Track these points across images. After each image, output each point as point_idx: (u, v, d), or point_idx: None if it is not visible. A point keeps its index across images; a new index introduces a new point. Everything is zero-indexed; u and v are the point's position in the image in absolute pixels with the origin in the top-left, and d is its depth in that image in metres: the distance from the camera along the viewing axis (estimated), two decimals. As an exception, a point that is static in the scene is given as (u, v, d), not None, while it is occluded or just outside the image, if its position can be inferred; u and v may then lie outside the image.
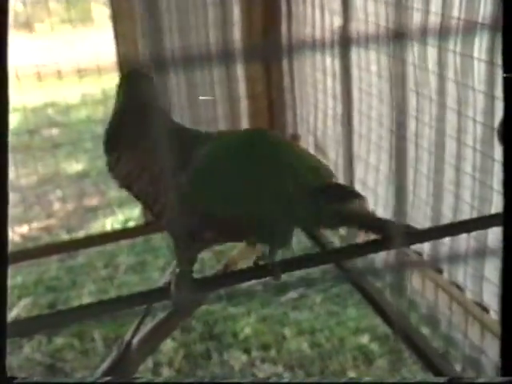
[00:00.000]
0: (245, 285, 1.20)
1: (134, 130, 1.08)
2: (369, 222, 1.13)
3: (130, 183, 1.07)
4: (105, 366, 1.35)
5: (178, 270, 1.10)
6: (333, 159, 2.66)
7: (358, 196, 1.12)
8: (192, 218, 1.02)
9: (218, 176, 1.03)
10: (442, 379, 0.92)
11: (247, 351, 2.39)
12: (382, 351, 2.33)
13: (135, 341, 1.53)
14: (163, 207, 1.04)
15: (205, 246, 1.17)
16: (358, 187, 2.45)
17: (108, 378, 1.64)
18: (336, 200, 1.07)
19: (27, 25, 5.58)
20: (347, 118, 2.38)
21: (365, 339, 2.40)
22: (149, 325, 1.89)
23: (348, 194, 1.12)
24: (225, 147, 1.08)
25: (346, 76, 2.28)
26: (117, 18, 2.39)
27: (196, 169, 1.03)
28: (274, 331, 2.48)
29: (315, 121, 2.76)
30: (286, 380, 1.78)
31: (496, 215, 1.35)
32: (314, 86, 2.69)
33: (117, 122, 1.11)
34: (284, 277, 2.93)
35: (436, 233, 1.38)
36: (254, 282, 1.19)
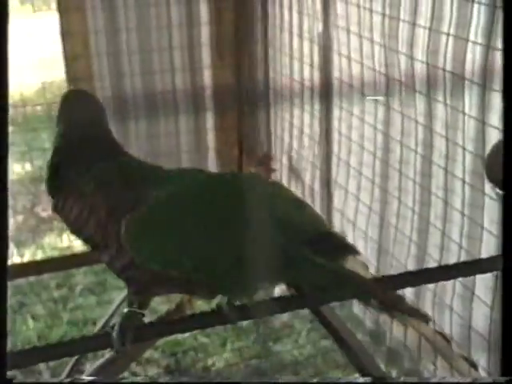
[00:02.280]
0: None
1: (77, 165, 1.02)
2: (360, 285, 1.03)
3: (79, 228, 1.03)
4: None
5: (126, 311, 1.06)
6: (308, 184, 2.59)
7: (352, 251, 1.07)
8: (138, 271, 0.98)
9: (169, 226, 0.98)
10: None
11: None
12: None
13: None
14: (114, 253, 1.00)
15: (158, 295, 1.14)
16: (335, 217, 2.41)
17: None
18: (324, 253, 1.00)
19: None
20: (325, 138, 2.30)
21: (354, 378, 2.31)
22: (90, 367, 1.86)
23: (341, 247, 1.06)
24: (186, 192, 1.02)
25: (325, 91, 2.21)
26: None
27: (143, 214, 0.97)
28: (251, 365, 2.41)
29: (290, 139, 2.68)
30: (284, 380, 1.80)
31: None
32: (290, 100, 2.61)
33: (58, 157, 1.05)
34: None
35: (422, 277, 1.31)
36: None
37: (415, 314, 1.13)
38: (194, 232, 0.97)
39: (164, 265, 0.97)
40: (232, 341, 2.53)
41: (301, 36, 2.39)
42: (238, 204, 0.99)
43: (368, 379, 1.82)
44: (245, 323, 2.54)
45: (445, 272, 1.31)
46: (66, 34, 2.35)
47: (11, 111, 0.81)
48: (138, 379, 2.35)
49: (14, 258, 3.11)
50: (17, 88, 3.20)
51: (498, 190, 1.08)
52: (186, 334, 2.52)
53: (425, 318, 1.24)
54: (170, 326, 1.17)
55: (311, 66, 2.34)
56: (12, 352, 1.24)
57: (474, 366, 1.94)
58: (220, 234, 0.98)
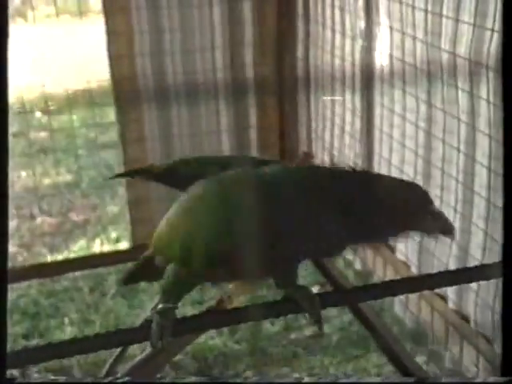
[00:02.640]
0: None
1: None
2: None
3: None
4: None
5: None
6: None
7: None
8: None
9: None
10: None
11: None
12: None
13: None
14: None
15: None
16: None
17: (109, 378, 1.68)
18: None
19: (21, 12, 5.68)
20: (366, 135, 2.32)
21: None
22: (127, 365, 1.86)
23: None
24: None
25: (366, 90, 2.23)
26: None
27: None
28: (281, 373, 2.39)
29: (331, 138, 2.70)
30: (286, 380, 1.78)
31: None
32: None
33: None
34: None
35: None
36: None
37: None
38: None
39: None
40: (262, 347, 2.53)
41: (343, 33, 2.43)
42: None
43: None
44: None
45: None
46: (111, 35, 2.41)
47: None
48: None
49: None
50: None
51: None
52: (217, 341, 2.54)
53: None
54: (206, 320, 1.16)
55: (352, 63, 2.36)
56: (50, 344, 1.26)
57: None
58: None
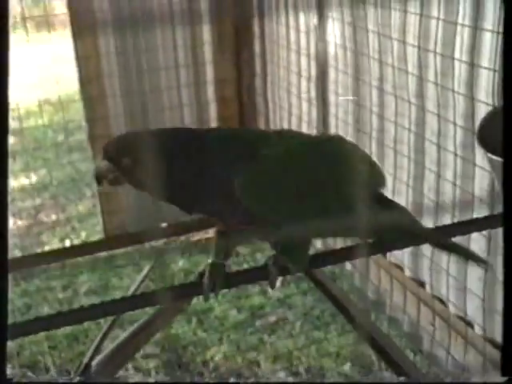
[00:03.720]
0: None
1: None
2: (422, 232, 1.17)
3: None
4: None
5: (212, 261, 1.10)
6: None
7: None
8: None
9: (276, 181, 1.03)
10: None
11: (218, 379, 2.32)
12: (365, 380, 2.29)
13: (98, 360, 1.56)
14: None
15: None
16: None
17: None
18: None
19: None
20: (323, 123, 2.36)
21: (346, 367, 2.32)
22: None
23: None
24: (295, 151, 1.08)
25: (322, 78, 2.27)
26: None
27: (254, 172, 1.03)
28: (248, 358, 2.39)
29: (289, 127, 2.73)
30: (286, 380, 1.80)
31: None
32: (288, 90, 2.67)
33: None
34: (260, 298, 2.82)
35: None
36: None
37: (472, 257, 1.25)
38: (296, 186, 1.04)
39: (269, 213, 1.03)
40: (228, 335, 2.54)
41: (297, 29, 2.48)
42: (333, 163, 1.08)
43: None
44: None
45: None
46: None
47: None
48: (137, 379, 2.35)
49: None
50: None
51: (489, 155, 1.11)
52: (186, 329, 2.55)
53: (482, 262, 1.33)
54: (252, 275, 1.18)
55: (307, 56, 2.41)
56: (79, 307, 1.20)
57: (470, 325, 2.01)
58: (318, 190, 1.05)
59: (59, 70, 3.43)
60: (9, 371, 2.36)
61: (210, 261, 1.10)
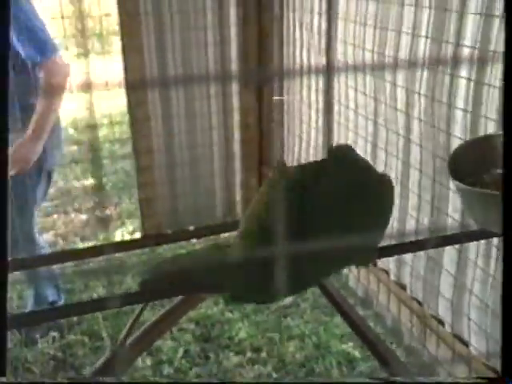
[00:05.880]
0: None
1: None
2: None
3: None
4: (98, 363, 1.42)
5: None
6: None
7: None
8: None
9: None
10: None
11: (241, 353, 2.46)
12: (363, 356, 2.40)
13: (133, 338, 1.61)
14: None
15: None
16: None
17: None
18: None
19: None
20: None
21: (348, 346, 2.47)
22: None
23: None
24: None
25: (327, 109, 2.37)
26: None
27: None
28: (266, 336, 2.54)
29: (299, 151, 2.87)
30: (286, 380, 1.78)
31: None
32: (300, 119, 2.80)
33: None
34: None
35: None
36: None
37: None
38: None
39: None
40: (250, 316, 2.68)
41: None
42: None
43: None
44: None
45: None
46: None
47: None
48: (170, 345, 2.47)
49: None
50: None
51: (456, 183, 1.07)
52: (214, 310, 2.71)
53: None
54: None
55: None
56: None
57: (441, 323, 2.10)
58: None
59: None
60: (72, 337, 2.57)
61: None
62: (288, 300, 2.73)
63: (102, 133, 4.40)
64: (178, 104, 2.62)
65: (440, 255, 2.04)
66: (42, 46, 2.12)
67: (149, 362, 2.40)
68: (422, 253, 2.10)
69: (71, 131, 4.86)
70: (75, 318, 2.63)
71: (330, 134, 2.46)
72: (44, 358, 2.48)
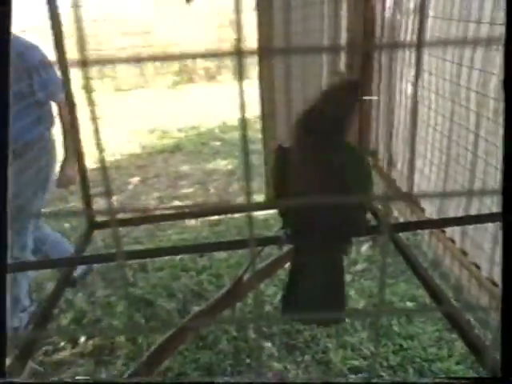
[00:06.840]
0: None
1: None
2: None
3: None
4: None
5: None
6: (399, 169, 3.06)
7: None
8: None
9: None
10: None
11: None
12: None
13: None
14: None
15: None
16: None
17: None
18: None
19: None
20: (412, 139, 2.77)
21: (410, 304, 2.62)
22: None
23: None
24: None
25: (414, 100, 2.57)
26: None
27: None
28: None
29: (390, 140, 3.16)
30: (286, 380, 1.74)
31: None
32: (392, 113, 3.07)
33: None
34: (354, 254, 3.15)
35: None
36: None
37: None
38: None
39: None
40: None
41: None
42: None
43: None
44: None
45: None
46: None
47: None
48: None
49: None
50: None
51: None
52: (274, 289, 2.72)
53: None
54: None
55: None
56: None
57: (495, 285, 2.24)
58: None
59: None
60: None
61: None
62: (362, 266, 2.89)
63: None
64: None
65: (496, 229, 2.18)
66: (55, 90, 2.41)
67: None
68: (481, 226, 2.27)
69: (217, 130, 5.71)
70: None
71: (415, 125, 2.72)
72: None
